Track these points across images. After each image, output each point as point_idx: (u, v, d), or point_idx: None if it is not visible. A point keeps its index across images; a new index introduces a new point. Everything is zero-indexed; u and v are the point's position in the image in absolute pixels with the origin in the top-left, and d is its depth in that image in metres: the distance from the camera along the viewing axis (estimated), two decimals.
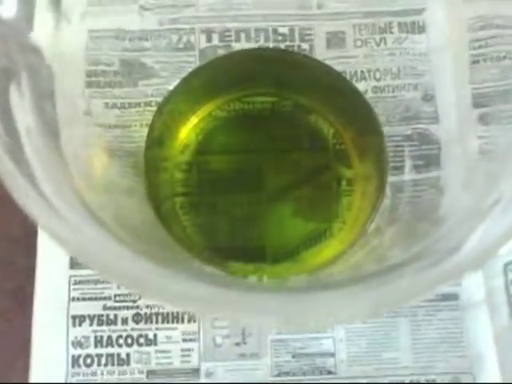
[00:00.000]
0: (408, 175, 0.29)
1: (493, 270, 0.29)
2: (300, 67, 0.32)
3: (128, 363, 0.29)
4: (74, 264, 0.29)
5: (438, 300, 0.29)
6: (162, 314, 0.29)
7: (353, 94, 0.31)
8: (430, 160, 0.29)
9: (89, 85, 0.29)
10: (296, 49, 0.32)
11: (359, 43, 0.31)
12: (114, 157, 0.29)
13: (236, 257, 0.29)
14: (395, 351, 0.29)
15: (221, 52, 0.31)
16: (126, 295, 0.29)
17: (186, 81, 0.31)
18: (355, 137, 0.30)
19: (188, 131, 0.31)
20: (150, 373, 0.29)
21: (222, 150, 0.31)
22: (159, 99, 0.30)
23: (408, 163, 0.30)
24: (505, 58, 0.29)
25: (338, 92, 0.31)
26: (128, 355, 0.29)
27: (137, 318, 0.29)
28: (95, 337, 0.29)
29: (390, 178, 0.29)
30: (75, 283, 0.29)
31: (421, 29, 0.32)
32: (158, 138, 0.30)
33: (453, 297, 0.29)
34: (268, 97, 0.31)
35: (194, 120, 0.31)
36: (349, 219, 0.29)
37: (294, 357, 0.29)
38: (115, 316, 0.29)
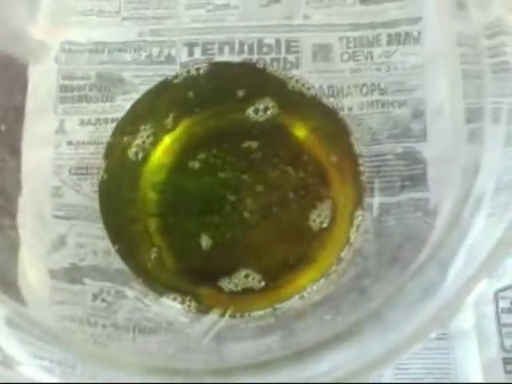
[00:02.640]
0: (393, 197, 0.28)
1: (483, 296, 0.28)
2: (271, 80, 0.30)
3: None
4: None
5: None
6: None
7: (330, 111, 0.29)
8: (416, 180, 0.27)
9: (62, 100, 0.28)
10: (282, 61, 0.31)
11: (346, 57, 0.30)
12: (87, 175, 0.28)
13: (209, 281, 0.28)
14: (378, 380, 0.27)
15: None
16: None
17: (150, 97, 0.29)
18: (332, 156, 0.29)
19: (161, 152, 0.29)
20: None
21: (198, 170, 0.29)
22: None
23: (393, 184, 0.28)
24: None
25: (315, 109, 0.30)
26: None
27: None
28: None
29: (375, 200, 0.28)
30: None
31: (415, 39, 0.30)
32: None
33: None
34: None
35: (166, 140, 0.29)
36: (327, 244, 0.28)
37: None
38: None
